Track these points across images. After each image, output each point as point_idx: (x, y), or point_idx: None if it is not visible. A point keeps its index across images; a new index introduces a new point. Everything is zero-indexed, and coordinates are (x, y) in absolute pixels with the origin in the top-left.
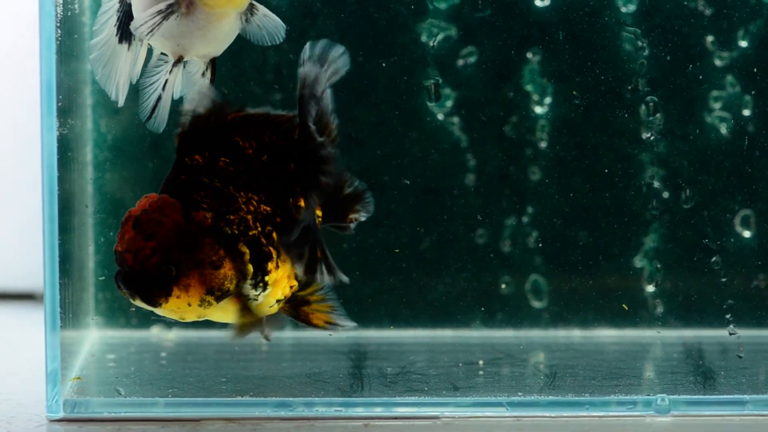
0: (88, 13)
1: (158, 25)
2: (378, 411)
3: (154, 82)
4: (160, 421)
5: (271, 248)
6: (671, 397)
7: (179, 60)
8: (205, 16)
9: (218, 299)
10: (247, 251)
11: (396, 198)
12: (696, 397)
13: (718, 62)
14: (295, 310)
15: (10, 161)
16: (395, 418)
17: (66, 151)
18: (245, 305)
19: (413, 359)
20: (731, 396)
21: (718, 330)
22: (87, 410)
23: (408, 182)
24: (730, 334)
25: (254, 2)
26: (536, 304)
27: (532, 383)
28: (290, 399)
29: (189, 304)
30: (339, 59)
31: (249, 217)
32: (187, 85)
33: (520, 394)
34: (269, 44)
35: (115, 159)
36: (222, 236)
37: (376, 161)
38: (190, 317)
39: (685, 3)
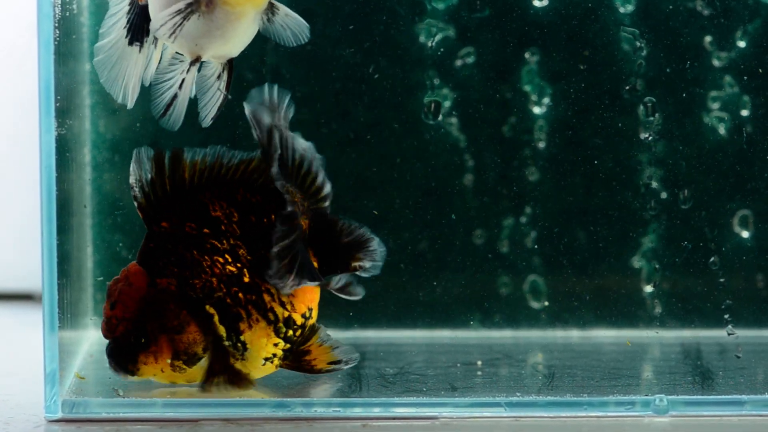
0: (86, 14)
1: (179, 25)
2: (376, 411)
3: (167, 80)
4: (159, 422)
5: (239, 309)
6: (669, 397)
7: (197, 60)
8: (224, 15)
9: (188, 363)
10: (215, 313)
11: (395, 199)
12: (694, 397)
13: (716, 63)
14: (298, 362)
15: (8, 162)
16: (393, 418)
17: (64, 152)
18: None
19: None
20: (729, 396)
21: (716, 330)
22: (85, 411)
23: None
24: (729, 334)
25: (274, 2)
26: (534, 304)
27: (530, 384)
28: (288, 399)
29: (162, 370)
30: (287, 104)
31: (214, 279)
32: (200, 88)
33: (518, 394)
34: (294, 44)
35: (113, 160)
36: (186, 301)
37: (374, 161)
38: (181, 382)
39: (684, 4)
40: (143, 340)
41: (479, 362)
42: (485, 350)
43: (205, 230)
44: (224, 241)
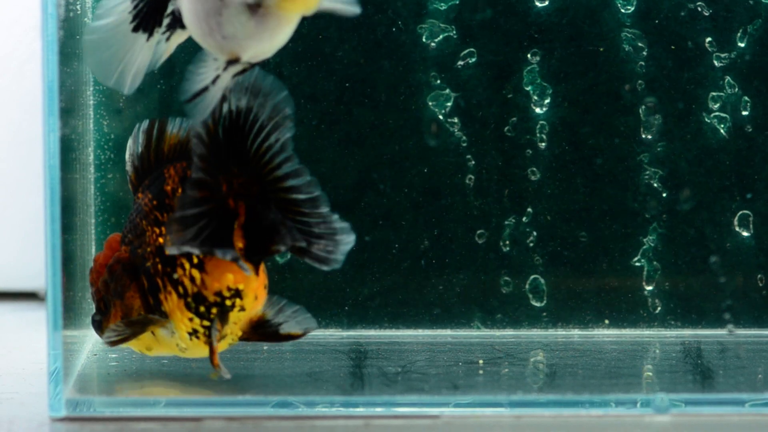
0: (90, 14)
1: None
2: (378, 410)
3: (201, 72)
4: (162, 420)
5: (158, 279)
6: (670, 396)
7: (236, 60)
8: (276, 19)
9: None
10: (146, 282)
11: (396, 199)
12: (695, 396)
13: (717, 63)
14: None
15: (13, 162)
16: (396, 417)
17: (68, 152)
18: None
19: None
20: (730, 395)
21: (716, 329)
22: (89, 409)
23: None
24: (729, 333)
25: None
26: (536, 303)
27: (531, 382)
28: (291, 398)
29: None
30: (281, 98)
31: (149, 249)
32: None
33: (519, 392)
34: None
35: (117, 159)
36: (131, 268)
37: (376, 161)
38: (137, 348)
39: (684, 4)
40: (104, 309)
41: (480, 361)
42: (487, 349)
43: (154, 202)
44: (164, 214)
